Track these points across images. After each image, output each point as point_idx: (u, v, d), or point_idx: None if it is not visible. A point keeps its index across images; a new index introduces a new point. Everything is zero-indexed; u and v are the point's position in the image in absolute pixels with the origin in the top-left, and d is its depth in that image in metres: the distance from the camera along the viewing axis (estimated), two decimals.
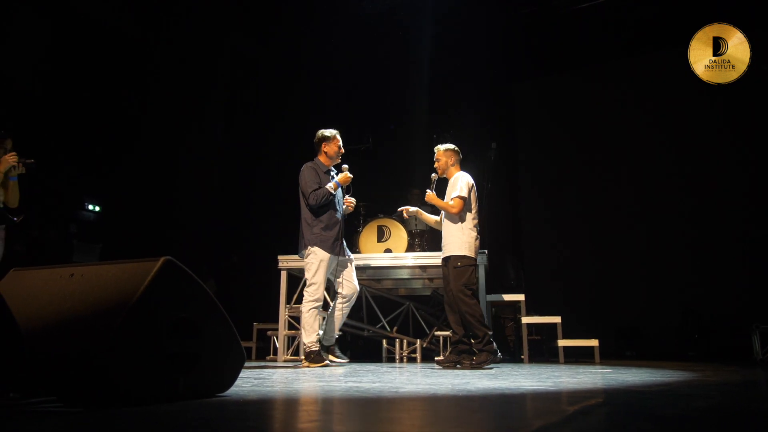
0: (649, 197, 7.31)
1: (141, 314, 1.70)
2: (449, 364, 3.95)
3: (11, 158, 3.79)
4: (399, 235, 5.51)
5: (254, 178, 7.90)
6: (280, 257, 5.17)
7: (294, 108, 7.94)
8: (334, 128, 4.47)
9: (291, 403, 1.86)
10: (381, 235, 5.54)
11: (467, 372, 3.42)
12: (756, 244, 6.49)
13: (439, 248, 5.16)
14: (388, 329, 5.61)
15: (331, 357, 4.35)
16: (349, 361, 4.51)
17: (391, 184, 6.76)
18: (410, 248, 5.47)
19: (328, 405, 1.80)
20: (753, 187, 6.66)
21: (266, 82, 8.01)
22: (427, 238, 5.60)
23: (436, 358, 5.03)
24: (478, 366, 3.81)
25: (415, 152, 7.11)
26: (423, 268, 5.22)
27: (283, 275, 5.15)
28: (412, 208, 4.42)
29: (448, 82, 7.62)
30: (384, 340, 5.96)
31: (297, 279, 5.40)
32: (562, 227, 7.75)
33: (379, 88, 7.72)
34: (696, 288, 6.72)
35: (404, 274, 5.52)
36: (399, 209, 4.48)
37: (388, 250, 5.41)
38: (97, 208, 7.05)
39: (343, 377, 2.98)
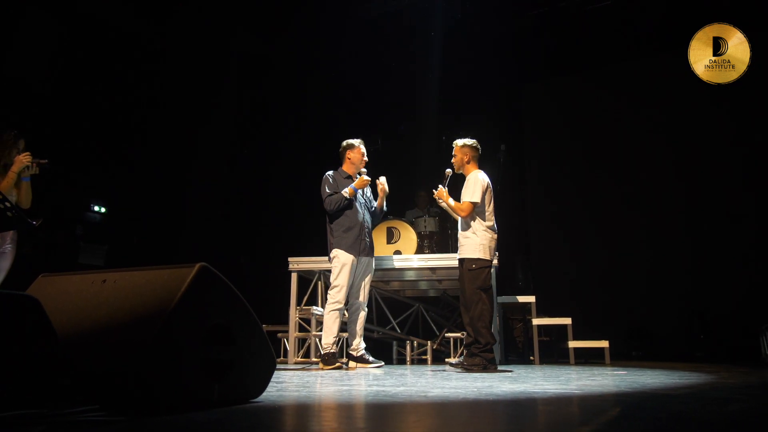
0: (657, 198, 7.32)
1: (178, 322, 1.68)
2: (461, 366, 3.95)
3: (25, 158, 3.74)
4: (408, 236, 5.51)
5: (264, 178, 7.88)
6: (290, 259, 5.16)
7: (304, 109, 7.93)
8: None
9: (325, 409, 1.86)
10: (390, 237, 5.54)
11: (485, 375, 3.42)
12: (763, 244, 6.51)
13: (448, 250, 5.16)
14: (398, 331, 5.61)
15: (364, 365, 4.33)
16: (383, 364, 4.49)
17: (401, 186, 6.75)
18: (420, 250, 5.47)
19: (363, 411, 1.79)
20: (761, 187, 6.67)
21: (275, 84, 7.99)
22: (436, 240, 5.60)
23: (447, 360, 5.04)
24: (468, 369, 3.77)
25: (425, 154, 7.11)
26: (430, 269, 5.22)
27: (294, 277, 5.14)
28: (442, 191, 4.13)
29: (457, 83, 7.61)
30: (394, 342, 5.96)
31: (307, 281, 5.39)
32: (569, 228, 7.75)
33: (388, 89, 7.70)
34: (703, 288, 6.73)
35: (412, 275, 5.52)
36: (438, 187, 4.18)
37: (397, 252, 5.41)
38: (103, 210, 7.02)
39: (364, 381, 2.98)
